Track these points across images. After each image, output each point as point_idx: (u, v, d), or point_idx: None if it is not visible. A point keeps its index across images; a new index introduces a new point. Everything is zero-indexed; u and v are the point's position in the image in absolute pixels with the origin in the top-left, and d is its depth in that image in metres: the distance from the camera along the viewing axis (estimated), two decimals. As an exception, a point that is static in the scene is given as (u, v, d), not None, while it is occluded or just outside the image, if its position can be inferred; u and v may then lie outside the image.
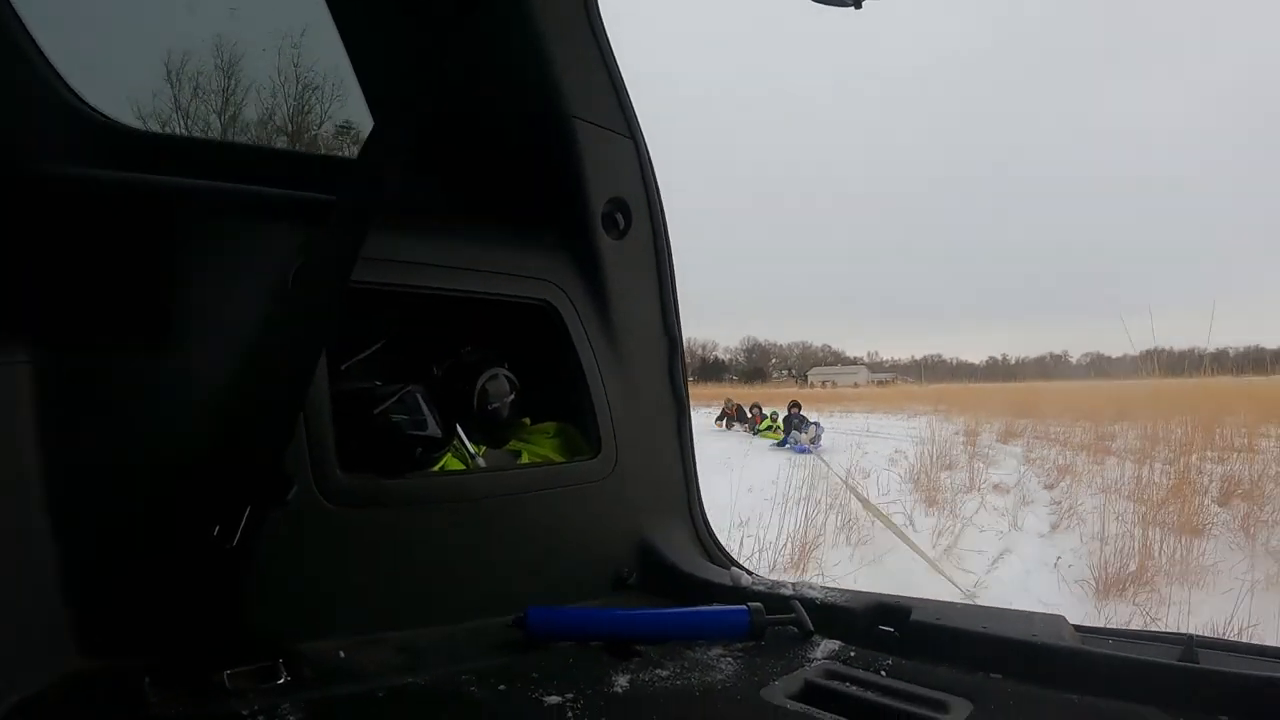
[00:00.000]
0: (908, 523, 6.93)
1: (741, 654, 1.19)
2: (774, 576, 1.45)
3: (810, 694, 1.10)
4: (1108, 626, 1.35)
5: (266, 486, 1.02)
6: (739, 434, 16.86)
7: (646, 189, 1.46)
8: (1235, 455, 8.66)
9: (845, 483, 8.06)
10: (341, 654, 1.12)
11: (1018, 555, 6.06)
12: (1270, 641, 1.31)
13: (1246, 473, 7.41)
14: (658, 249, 1.48)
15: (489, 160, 1.47)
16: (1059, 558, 5.78)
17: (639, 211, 1.45)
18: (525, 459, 1.44)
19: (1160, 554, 5.37)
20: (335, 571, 1.16)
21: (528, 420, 1.52)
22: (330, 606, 1.16)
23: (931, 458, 9.73)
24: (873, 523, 6.67)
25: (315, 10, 1.39)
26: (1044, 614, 1.30)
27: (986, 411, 16.42)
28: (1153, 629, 1.34)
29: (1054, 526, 7.11)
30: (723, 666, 1.15)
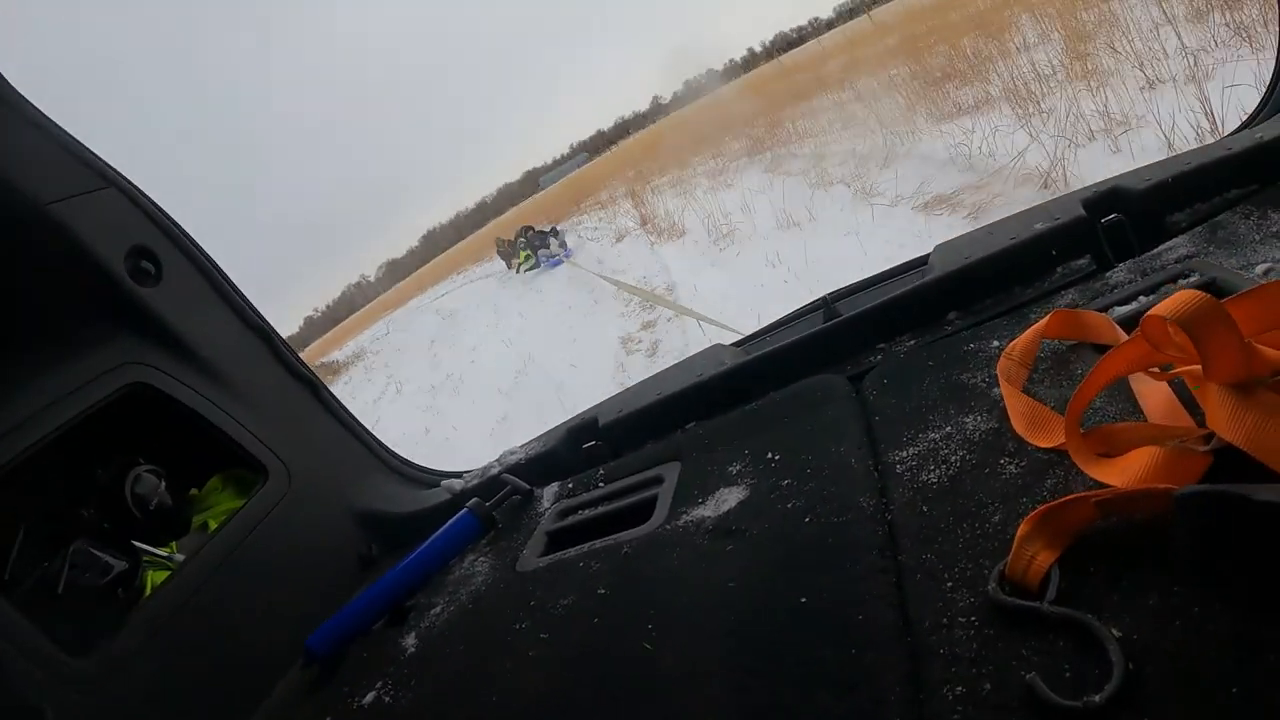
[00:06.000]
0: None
1: (489, 547, 1.20)
2: (487, 459, 1.48)
3: (554, 542, 1.13)
4: (759, 329, 1.48)
5: None
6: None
7: (157, 223, 1.26)
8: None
9: (606, 278, 8.57)
10: None
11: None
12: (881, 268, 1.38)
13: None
14: (199, 266, 1.31)
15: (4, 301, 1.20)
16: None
17: (162, 246, 1.27)
18: (213, 525, 1.31)
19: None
20: None
21: (194, 490, 1.39)
22: None
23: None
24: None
25: None
26: (703, 351, 1.36)
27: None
28: (796, 308, 1.49)
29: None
30: (479, 569, 1.16)
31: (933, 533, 0.72)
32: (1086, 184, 1.16)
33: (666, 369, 1.40)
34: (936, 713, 0.56)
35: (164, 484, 1.30)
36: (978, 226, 1.24)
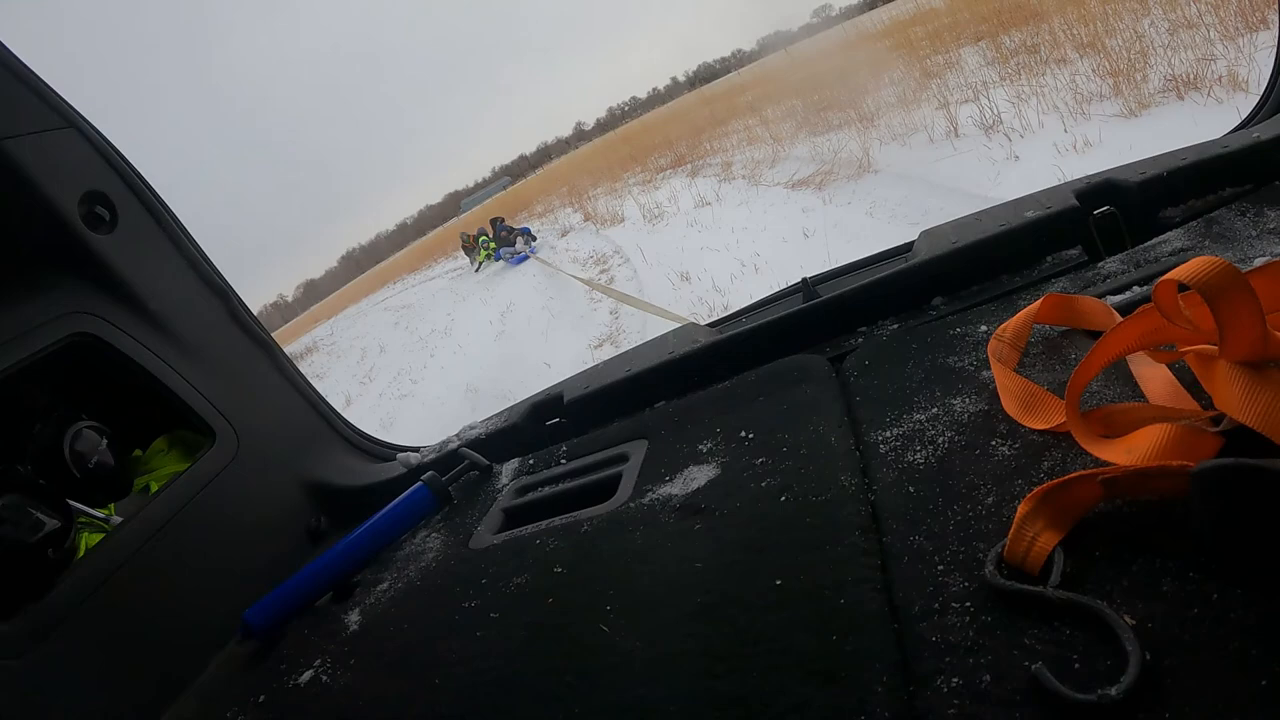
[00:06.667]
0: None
1: (443, 523, 1.14)
2: (442, 435, 1.42)
3: (511, 519, 1.07)
4: (735, 311, 1.43)
5: None
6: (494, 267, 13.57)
7: (115, 168, 1.17)
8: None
9: (571, 275, 8.89)
10: None
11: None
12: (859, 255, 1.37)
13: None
14: (157, 216, 1.22)
15: None
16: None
17: (119, 194, 1.18)
18: (155, 488, 1.22)
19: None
20: (64, 713, 0.95)
21: (139, 451, 1.29)
22: None
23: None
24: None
25: None
26: (677, 329, 1.31)
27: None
28: (777, 290, 1.44)
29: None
30: (431, 544, 1.09)
31: (921, 514, 0.66)
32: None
33: (637, 346, 1.33)
34: (930, 706, 0.50)
35: (106, 442, 1.20)
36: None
